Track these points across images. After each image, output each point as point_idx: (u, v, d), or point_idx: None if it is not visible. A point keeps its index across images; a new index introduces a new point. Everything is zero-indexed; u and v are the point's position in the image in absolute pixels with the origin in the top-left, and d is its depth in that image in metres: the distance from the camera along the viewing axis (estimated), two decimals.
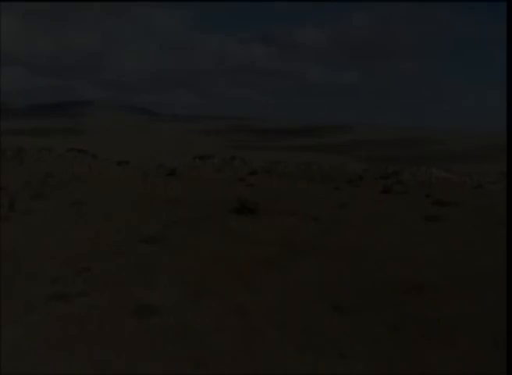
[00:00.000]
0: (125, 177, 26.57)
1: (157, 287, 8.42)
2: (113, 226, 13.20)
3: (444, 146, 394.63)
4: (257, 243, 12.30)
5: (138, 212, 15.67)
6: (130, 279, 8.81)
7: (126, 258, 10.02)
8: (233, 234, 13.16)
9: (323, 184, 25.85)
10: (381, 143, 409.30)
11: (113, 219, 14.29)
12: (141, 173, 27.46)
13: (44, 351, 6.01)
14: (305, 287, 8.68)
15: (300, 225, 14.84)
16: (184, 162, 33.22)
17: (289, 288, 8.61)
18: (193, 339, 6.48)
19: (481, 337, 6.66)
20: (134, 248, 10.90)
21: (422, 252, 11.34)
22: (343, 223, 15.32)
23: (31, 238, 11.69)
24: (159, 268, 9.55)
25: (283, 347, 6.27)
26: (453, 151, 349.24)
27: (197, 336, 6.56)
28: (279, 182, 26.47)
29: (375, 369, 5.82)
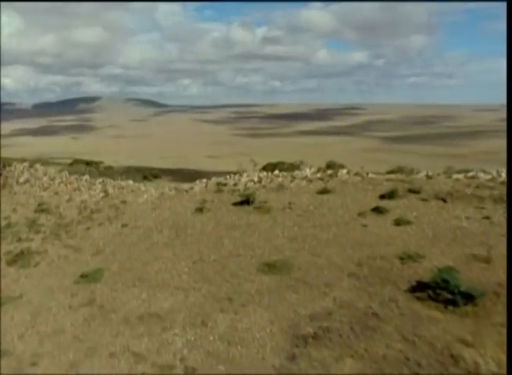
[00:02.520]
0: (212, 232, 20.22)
1: None
2: None
3: (458, 122, 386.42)
4: None
5: None
6: None
7: None
8: None
9: None
10: (393, 123, 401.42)
11: None
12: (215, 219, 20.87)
13: None
14: None
15: None
16: (248, 174, 26.21)
17: None
18: None
19: None
20: None
21: None
22: None
23: None
24: None
25: None
26: (468, 126, 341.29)
27: None
28: (450, 214, 19.25)
29: None
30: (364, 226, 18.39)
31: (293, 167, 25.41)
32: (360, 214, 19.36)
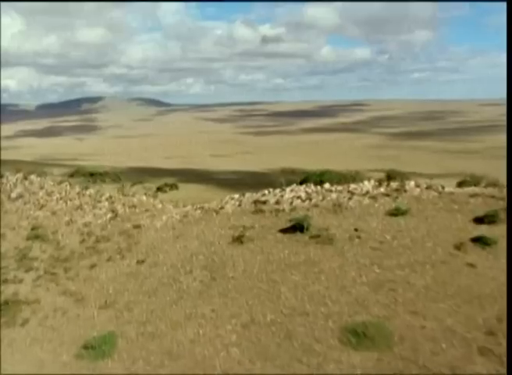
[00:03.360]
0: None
1: None
2: None
3: (464, 117, 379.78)
4: None
5: None
6: None
7: None
8: None
9: None
10: (399, 118, 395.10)
11: None
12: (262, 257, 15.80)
13: None
14: None
15: None
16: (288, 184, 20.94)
17: None
18: None
19: None
20: None
21: None
22: None
23: None
24: None
25: None
26: (474, 121, 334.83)
27: None
28: None
29: None
30: (471, 266, 13.39)
31: (345, 178, 20.35)
32: (459, 247, 14.36)
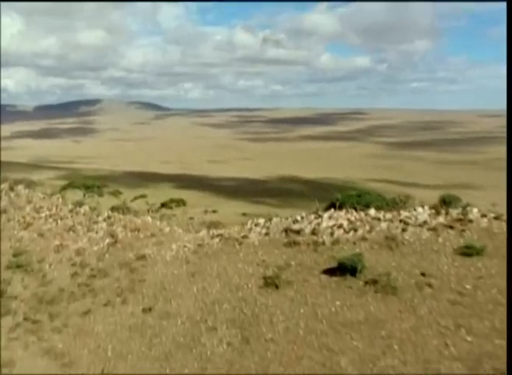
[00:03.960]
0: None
1: None
2: None
3: (463, 128, 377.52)
4: None
5: None
6: None
7: None
8: None
9: None
10: (398, 128, 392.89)
11: None
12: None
13: None
14: None
15: None
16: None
17: None
18: None
19: None
20: None
21: None
22: None
23: None
24: None
25: None
26: (474, 132, 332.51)
27: None
28: None
29: None
30: None
31: (393, 203, 16.80)
32: None
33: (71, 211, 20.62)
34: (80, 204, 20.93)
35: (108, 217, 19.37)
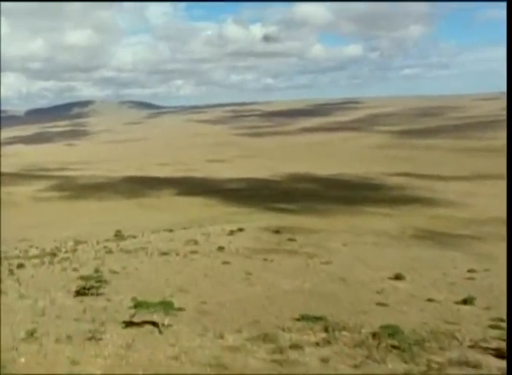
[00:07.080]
0: None
1: None
2: None
3: (463, 113, 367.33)
4: None
5: None
6: None
7: None
8: None
9: None
10: (397, 115, 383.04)
11: None
12: None
13: None
14: None
15: None
16: None
17: None
18: None
19: None
20: None
21: None
22: None
23: None
24: None
25: None
26: (475, 116, 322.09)
27: None
28: None
29: None
30: None
31: None
32: None
33: None
34: None
35: None
